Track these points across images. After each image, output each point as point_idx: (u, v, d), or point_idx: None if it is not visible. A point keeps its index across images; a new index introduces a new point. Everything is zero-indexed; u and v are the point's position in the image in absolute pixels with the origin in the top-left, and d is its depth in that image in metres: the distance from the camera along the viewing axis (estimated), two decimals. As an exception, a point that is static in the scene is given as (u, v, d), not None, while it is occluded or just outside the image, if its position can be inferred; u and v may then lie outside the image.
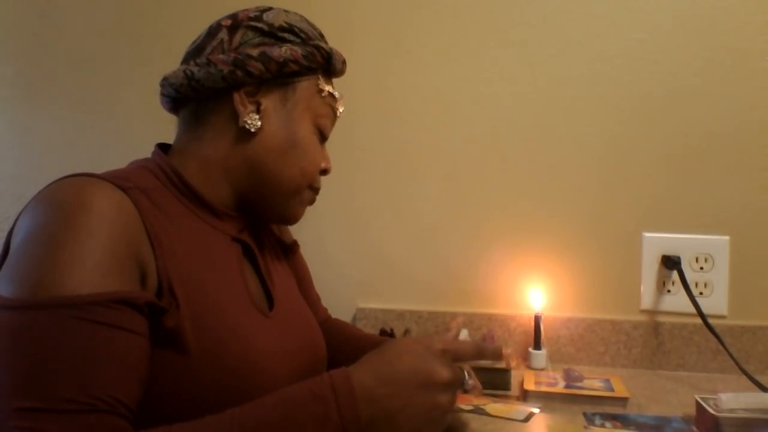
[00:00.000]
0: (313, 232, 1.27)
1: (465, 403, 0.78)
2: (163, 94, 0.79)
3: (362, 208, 1.29)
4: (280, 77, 0.75)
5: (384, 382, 0.58)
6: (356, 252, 1.29)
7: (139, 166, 0.74)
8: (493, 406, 0.80)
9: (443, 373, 0.59)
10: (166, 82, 0.76)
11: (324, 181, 0.84)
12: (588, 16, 1.21)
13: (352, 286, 1.29)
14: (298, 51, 0.75)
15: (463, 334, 0.72)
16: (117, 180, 0.64)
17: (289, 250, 0.96)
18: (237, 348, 0.67)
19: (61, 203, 0.60)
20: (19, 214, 0.63)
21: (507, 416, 0.79)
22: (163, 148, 0.79)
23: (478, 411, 0.76)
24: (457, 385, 0.61)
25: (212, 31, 0.77)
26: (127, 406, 0.56)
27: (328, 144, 0.84)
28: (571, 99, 1.22)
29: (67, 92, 1.39)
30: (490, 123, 1.25)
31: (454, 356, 0.63)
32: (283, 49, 0.74)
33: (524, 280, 1.23)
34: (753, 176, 1.17)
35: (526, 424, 0.87)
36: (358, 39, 1.28)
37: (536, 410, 0.86)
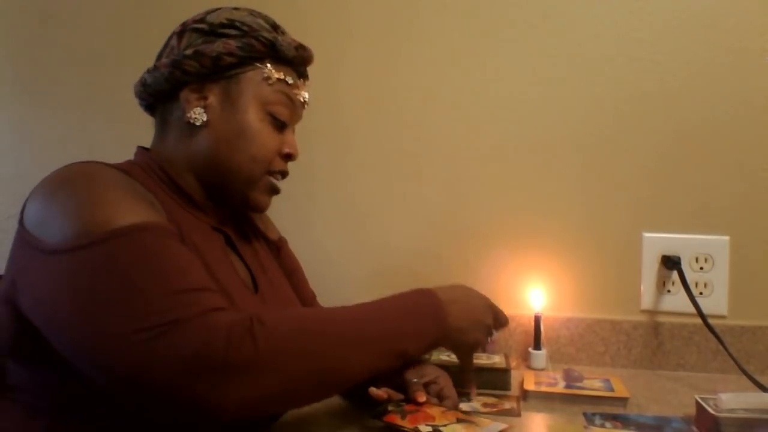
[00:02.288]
0: (313, 232, 1.27)
1: (427, 422, 0.75)
2: (139, 103, 0.86)
3: (362, 208, 1.29)
4: (219, 71, 0.78)
5: (459, 306, 0.77)
6: (356, 252, 1.28)
7: (126, 162, 0.80)
8: (453, 428, 0.73)
9: (489, 320, 0.81)
10: (134, 90, 0.83)
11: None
12: (588, 16, 1.21)
13: (351, 285, 1.28)
14: (232, 44, 0.77)
15: None
16: (115, 166, 0.71)
17: (274, 247, 0.97)
18: None
19: (74, 175, 0.66)
20: (26, 202, 0.67)
21: None
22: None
23: None
24: (490, 330, 0.82)
25: (167, 40, 0.83)
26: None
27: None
28: (570, 99, 1.22)
29: (67, 92, 1.39)
30: (489, 123, 1.25)
31: (495, 314, 0.83)
32: (216, 44, 0.77)
33: (524, 280, 1.23)
34: (753, 176, 1.17)
35: (527, 417, 0.87)
36: (357, 39, 1.28)
37: (503, 426, 0.77)
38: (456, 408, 0.83)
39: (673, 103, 1.19)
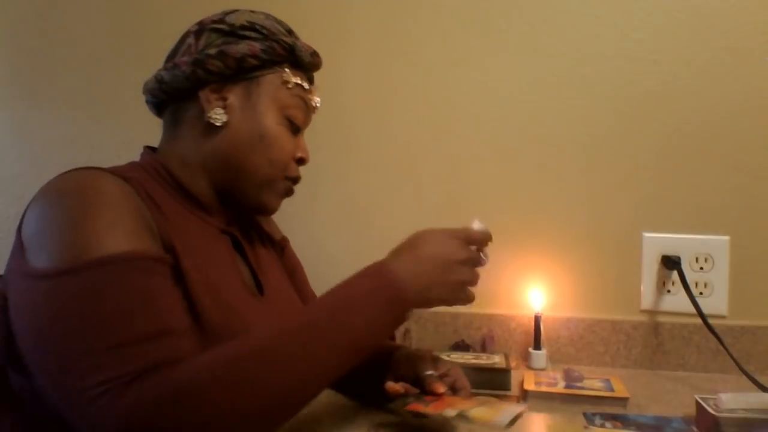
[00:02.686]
0: (312, 232, 1.27)
1: (450, 407, 0.76)
2: (146, 101, 0.84)
3: (361, 207, 1.29)
4: (241, 72, 0.78)
5: (414, 264, 0.69)
6: (355, 251, 1.28)
7: (131, 163, 0.78)
8: (478, 410, 0.77)
9: (461, 253, 0.72)
10: (145, 87, 0.82)
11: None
12: (587, 16, 1.21)
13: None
14: (257, 46, 0.77)
15: (476, 225, 0.79)
16: (116, 172, 0.69)
17: (278, 246, 0.98)
18: (234, 325, 0.70)
19: (71, 189, 0.64)
20: (26, 209, 0.66)
21: (490, 422, 0.74)
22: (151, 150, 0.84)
23: (463, 417, 0.74)
24: (473, 262, 0.74)
25: (182, 38, 0.82)
26: (189, 332, 0.63)
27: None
28: (570, 99, 1.22)
29: (67, 92, 1.39)
30: (489, 123, 1.25)
31: (468, 240, 0.74)
32: (241, 45, 0.77)
33: (524, 280, 1.23)
34: (753, 176, 1.17)
35: (527, 418, 0.87)
36: (357, 39, 1.28)
37: (522, 407, 0.80)
38: (470, 398, 0.84)
39: (673, 103, 1.19)
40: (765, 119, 1.17)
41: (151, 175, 0.76)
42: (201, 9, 1.34)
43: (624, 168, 1.21)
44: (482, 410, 0.75)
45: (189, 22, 0.84)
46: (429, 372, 0.83)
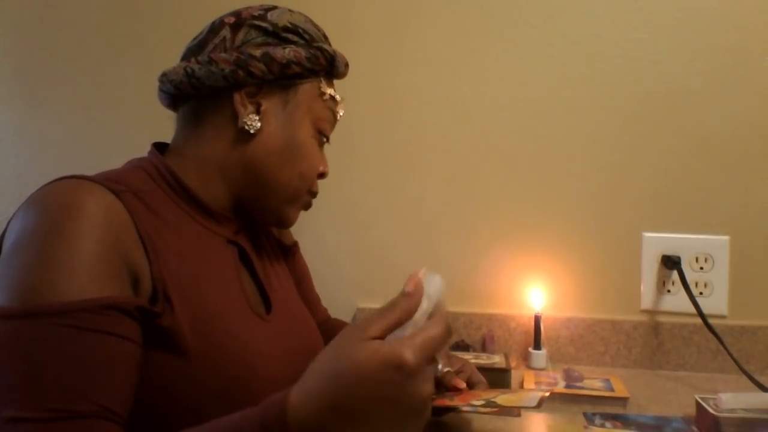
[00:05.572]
0: (313, 233, 1.27)
1: (476, 398, 0.77)
2: (161, 90, 0.77)
3: (362, 208, 1.29)
4: (281, 79, 0.74)
5: (329, 410, 0.48)
6: (356, 252, 1.29)
7: (135, 166, 0.73)
8: (503, 397, 0.79)
9: (401, 376, 0.47)
10: (165, 78, 0.75)
11: (324, 181, 0.84)
12: (588, 16, 1.21)
13: (351, 286, 1.29)
14: (302, 53, 0.74)
15: (435, 282, 0.54)
16: (109, 182, 0.63)
17: (288, 252, 0.96)
18: (234, 352, 0.66)
19: (49, 207, 0.58)
20: (11, 218, 0.62)
21: (519, 405, 0.78)
22: (160, 147, 0.78)
23: (490, 404, 0.75)
24: (425, 374, 0.49)
25: (215, 28, 0.76)
26: (115, 412, 0.54)
27: (329, 144, 0.84)
28: (570, 99, 1.22)
29: (67, 92, 1.39)
30: (490, 123, 1.25)
31: (398, 361, 0.47)
32: (287, 50, 0.73)
33: (524, 280, 1.23)
34: (753, 176, 1.17)
35: (527, 418, 0.87)
36: (358, 38, 1.28)
37: (543, 392, 0.83)
38: (488, 390, 0.84)
39: (673, 104, 1.19)
40: (765, 119, 1.17)
41: (153, 179, 0.71)
42: (201, 9, 1.34)
43: (624, 168, 1.21)
44: (507, 397, 0.76)
45: (189, 22, 0.83)
46: (446, 369, 0.82)
